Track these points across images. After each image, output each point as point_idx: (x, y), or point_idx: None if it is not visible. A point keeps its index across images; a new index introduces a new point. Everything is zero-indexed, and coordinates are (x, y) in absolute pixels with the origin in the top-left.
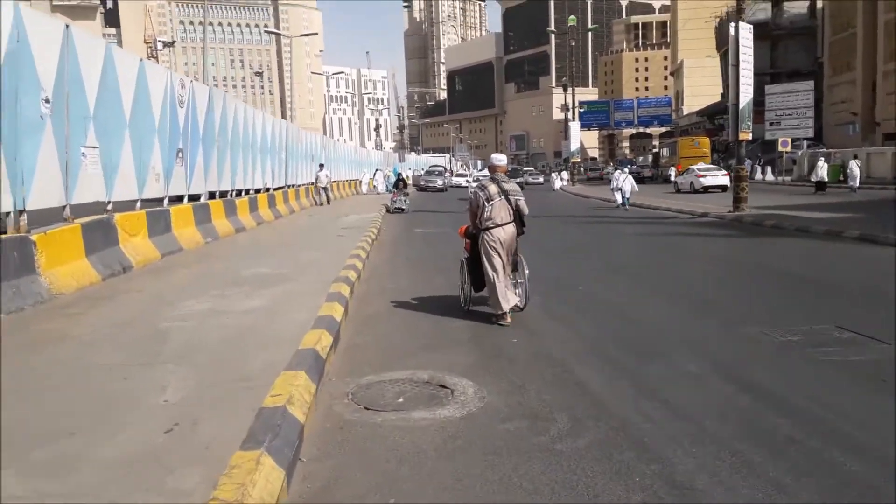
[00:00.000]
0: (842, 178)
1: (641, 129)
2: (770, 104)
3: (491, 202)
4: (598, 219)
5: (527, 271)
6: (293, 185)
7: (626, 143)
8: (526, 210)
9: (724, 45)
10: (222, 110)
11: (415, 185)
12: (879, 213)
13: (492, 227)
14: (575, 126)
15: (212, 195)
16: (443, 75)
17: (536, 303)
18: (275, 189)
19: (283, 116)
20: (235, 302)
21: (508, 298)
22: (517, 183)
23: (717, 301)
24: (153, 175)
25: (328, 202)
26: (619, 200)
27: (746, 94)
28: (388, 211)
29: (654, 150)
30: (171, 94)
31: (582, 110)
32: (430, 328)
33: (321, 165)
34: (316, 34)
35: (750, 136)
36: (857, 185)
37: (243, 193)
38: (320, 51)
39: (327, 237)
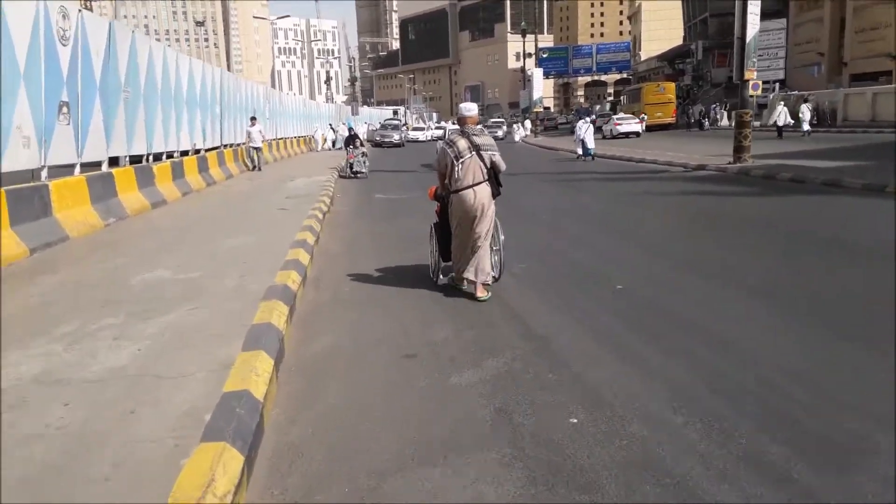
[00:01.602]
0: (815, 121)
1: (597, 77)
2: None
3: (461, 160)
4: (577, 175)
5: (502, 237)
6: (231, 145)
7: (581, 92)
8: (502, 167)
9: None
10: (130, 52)
11: (370, 141)
12: (887, 158)
13: (462, 189)
14: (538, 73)
15: (115, 161)
16: (395, 24)
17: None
18: (207, 150)
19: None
20: (89, 355)
21: (483, 268)
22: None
23: (788, 289)
24: (19, 138)
25: (258, 167)
26: (580, 151)
27: (754, 26)
28: (341, 176)
29: (610, 99)
30: (46, 28)
31: (544, 56)
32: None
33: (252, 119)
34: None
35: (755, 75)
36: (808, 128)
37: (164, 157)
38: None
39: (266, 211)
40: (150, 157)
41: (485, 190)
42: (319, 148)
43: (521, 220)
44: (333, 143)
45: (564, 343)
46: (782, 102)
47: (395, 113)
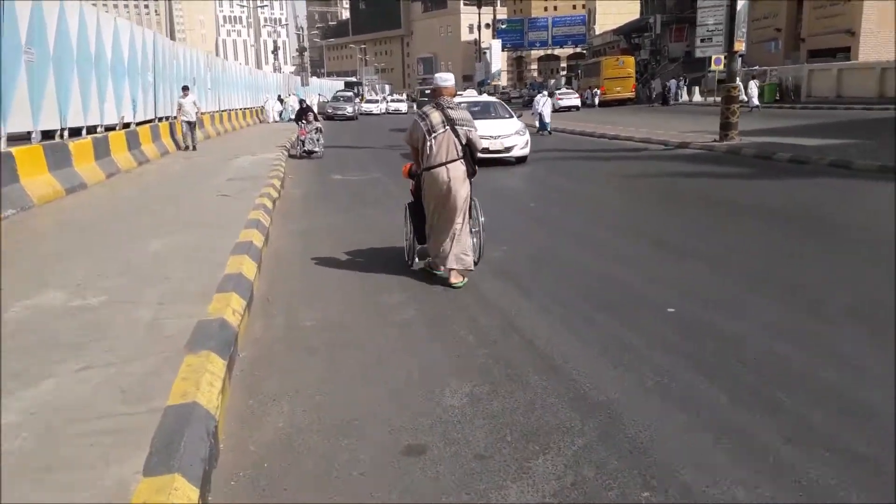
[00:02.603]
0: (777, 96)
1: (550, 51)
2: (702, 19)
3: (434, 134)
4: (550, 153)
5: (482, 219)
6: (167, 118)
7: (534, 66)
8: (479, 144)
9: None
10: (34, 7)
11: (321, 113)
12: (887, 135)
13: (435, 166)
14: (496, 45)
15: (23, 137)
16: None
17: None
18: (139, 124)
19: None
20: None
21: (460, 254)
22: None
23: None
24: None
25: (193, 146)
26: (538, 125)
27: None
28: (291, 155)
29: (564, 74)
30: None
31: (503, 27)
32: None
33: (185, 89)
34: None
35: (744, 47)
36: (756, 103)
37: (84, 133)
38: None
39: (205, 198)
40: (66, 133)
41: (459, 168)
42: (271, 119)
43: (501, 204)
44: (281, 115)
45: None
46: (738, 78)
47: (353, 86)
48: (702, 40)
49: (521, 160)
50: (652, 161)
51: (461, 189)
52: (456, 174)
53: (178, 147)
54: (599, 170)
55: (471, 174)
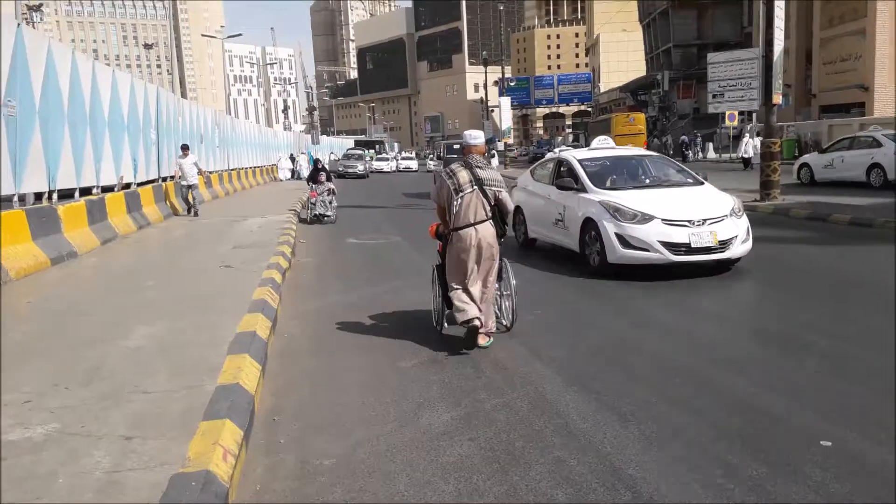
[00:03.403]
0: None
1: (555, 109)
2: (713, 74)
3: (461, 194)
4: None
5: (513, 281)
6: (172, 178)
7: (539, 124)
8: (510, 206)
9: (647, 16)
10: (16, 53)
11: (332, 171)
12: None
13: (462, 227)
14: (506, 102)
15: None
16: (352, 53)
17: None
18: (140, 184)
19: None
20: None
21: (479, 315)
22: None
23: None
24: None
25: (195, 211)
26: None
27: (780, 42)
28: (302, 220)
29: (570, 131)
30: None
31: (512, 84)
32: None
33: (184, 148)
34: None
35: (780, 100)
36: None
37: (77, 195)
38: (221, 26)
39: (205, 270)
40: (55, 196)
41: (487, 229)
42: (283, 178)
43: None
44: (293, 174)
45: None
46: (747, 135)
47: (373, 144)
48: (713, 96)
49: (730, 263)
50: None
51: (489, 251)
52: (484, 235)
53: (176, 213)
54: None
55: (500, 235)
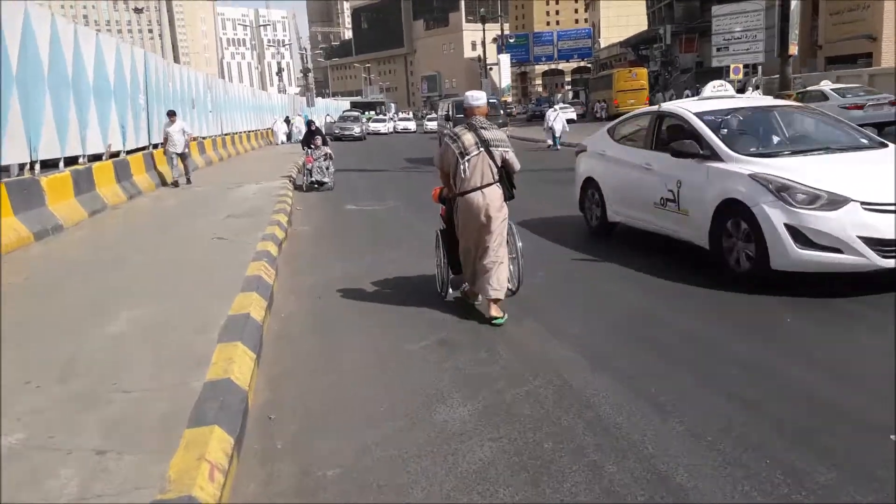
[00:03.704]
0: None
1: (554, 66)
2: (717, 27)
3: (467, 157)
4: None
5: (520, 244)
6: (163, 144)
7: (538, 81)
8: (516, 165)
9: None
10: None
11: (328, 134)
12: None
13: (469, 191)
14: (505, 59)
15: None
16: (347, 13)
17: None
18: (129, 152)
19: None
20: None
21: (494, 283)
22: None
23: None
24: None
25: (187, 180)
26: (550, 141)
27: None
28: (297, 186)
29: (569, 87)
30: None
31: (511, 41)
32: None
33: (171, 114)
34: None
35: (796, 50)
36: None
37: (62, 165)
38: None
39: (196, 243)
40: (37, 166)
41: (495, 192)
42: (279, 142)
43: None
44: (289, 137)
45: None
46: (750, 88)
47: (375, 106)
48: (718, 49)
49: None
50: None
51: (498, 214)
52: (492, 199)
53: (165, 183)
54: None
55: (507, 198)
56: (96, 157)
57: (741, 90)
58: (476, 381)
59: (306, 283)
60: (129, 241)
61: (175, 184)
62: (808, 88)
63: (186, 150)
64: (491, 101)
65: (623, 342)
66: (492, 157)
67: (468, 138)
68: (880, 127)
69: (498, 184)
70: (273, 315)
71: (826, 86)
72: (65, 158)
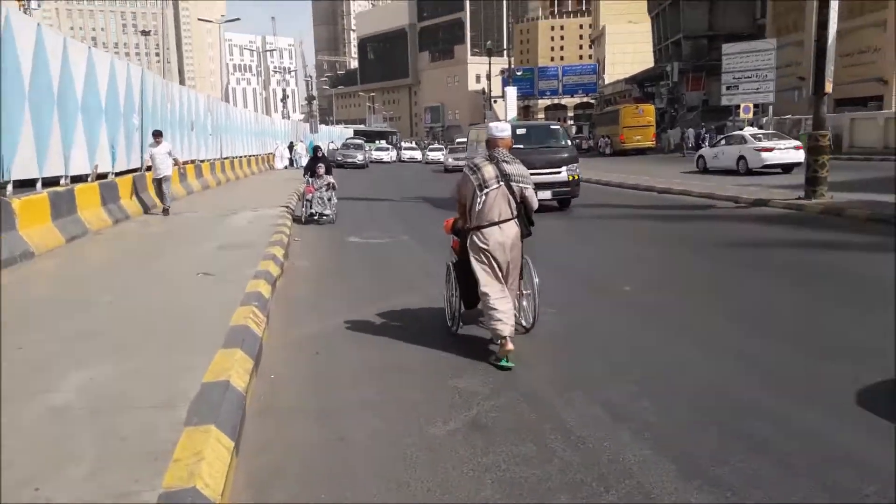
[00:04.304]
0: None
1: (557, 101)
2: (727, 66)
3: (485, 190)
4: (596, 209)
5: (536, 280)
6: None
7: (541, 115)
8: (535, 203)
9: (657, 7)
10: None
11: (331, 160)
12: None
13: (486, 226)
14: (511, 92)
15: None
16: (353, 43)
17: None
18: (119, 174)
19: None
20: None
21: (507, 320)
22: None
23: None
24: None
25: (164, 209)
26: None
27: (834, 24)
28: (295, 219)
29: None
30: None
31: (518, 74)
32: None
33: (156, 135)
34: None
35: (831, 88)
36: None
37: (39, 186)
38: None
39: (179, 278)
40: (9, 186)
41: (512, 229)
42: (280, 166)
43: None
44: (291, 163)
45: None
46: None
47: (386, 135)
48: (727, 88)
49: None
50: (733, 223)
51: (513, 251)
52: (509, 234)
53: (146, 210)
54: (668, 234)
55: (525, 235)
56: (81, 179)
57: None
58: (527, 490)
59: (302, 335)
60: (102, 275)
61: (165, 211)
62: (733, 134)
63: (170, 174)
64: (552, 126)
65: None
66: (511, 192)
67: (489, 170)
68: (788, 168)
69: (516, 220)
70: (260, 377)
71: (747, 131)
72: (43, 179)
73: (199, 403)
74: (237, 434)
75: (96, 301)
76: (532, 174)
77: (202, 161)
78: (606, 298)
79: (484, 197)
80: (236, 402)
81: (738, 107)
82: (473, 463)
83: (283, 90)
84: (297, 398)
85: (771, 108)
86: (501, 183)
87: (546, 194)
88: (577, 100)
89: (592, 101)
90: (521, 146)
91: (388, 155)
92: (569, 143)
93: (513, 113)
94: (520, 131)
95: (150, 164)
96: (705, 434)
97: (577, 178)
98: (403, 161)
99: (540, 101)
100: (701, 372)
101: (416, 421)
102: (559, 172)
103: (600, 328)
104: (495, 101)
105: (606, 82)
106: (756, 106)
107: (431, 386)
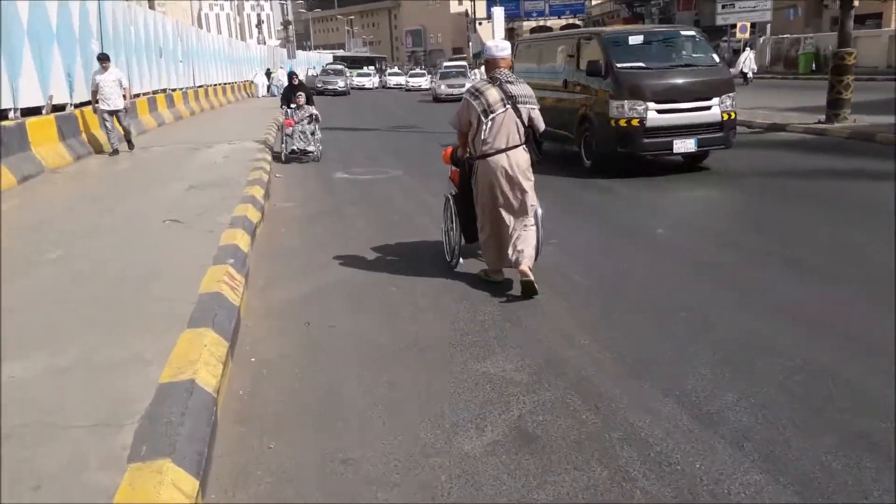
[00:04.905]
0: (813, 66)
1: (543, 22)
2: None
3: (491, 115)
4: None
5: (539, 210)
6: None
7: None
8: (541, 125)
9: None
10: None
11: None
12: None
13: (493, 154)
14: (499, 13)
15: None
16: None
17: None
18: (79, 105)
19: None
20: None
21: (511, 251)
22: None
23: None
24: None
25: (129, 144)
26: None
27: None
28: (275, 156)
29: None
30: None
31: None
32: None
33: (102, 59)
34: None
35: (857, 2)
36: (751, 76)
37: None
38: None
39: (142, 227)
40: None
41: (521, 155)
42: (260, 94)
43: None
44: (269, 90)
45: None
46: (748, 48)
47: (374, 61)
48: (723, 6)
49: None
50: (748, 150)
51: (525, 180)
52: (518, 162)
53: (106, 150)
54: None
55: (535, 162)
56: (35, 112)
57: (738, 51)
58: None
59: (288, 298)
60: (49, 225)
61: (115, 152)
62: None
63: (125, 108)
64: (686, 33)
65: None
66: (519, 115)
67: (493, 94)
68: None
69: (524, 146)
70: (237, 362)
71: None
72: None
73: (151, 421)
74: (203, 468)
75: (40, 259)
76: (665, 110)
77: (173, 90)
78: (643, 245)
79: (490, 123)
80: (204, 412)
81: (733, 26)
82: (526, 496)
83: (258, 15)
84: (285, 396)
85: (769, 27)
86: (508, 106)
87: (689, 144)
88: (562, 21)
89: (579, 23)
90: (642, 64)
91: (371, 81)
92: (715, 58)
93: (501, 35)
94: (634, 40)
95: (94, 93)
96: (818, 441)
97: (734, 115)
98: (389, 87)
99: (525, 24)
100: (784, 345)
101: (441, 428)
102: (709, 107)
103: (641, 280)
104: (480, 24)
105: (595, 2)
106: (753, 24)
107: (457, 369)
